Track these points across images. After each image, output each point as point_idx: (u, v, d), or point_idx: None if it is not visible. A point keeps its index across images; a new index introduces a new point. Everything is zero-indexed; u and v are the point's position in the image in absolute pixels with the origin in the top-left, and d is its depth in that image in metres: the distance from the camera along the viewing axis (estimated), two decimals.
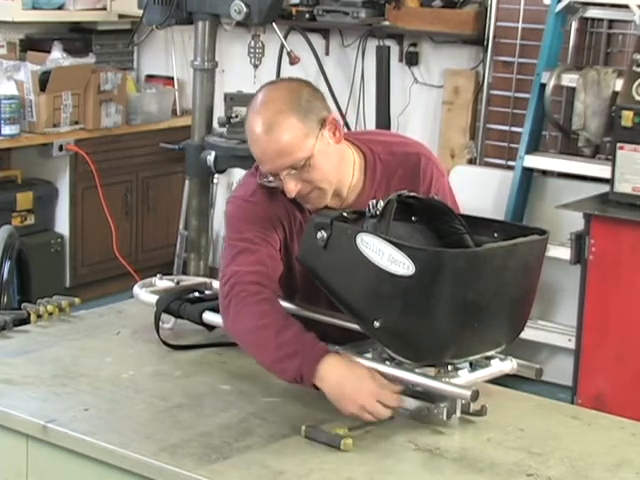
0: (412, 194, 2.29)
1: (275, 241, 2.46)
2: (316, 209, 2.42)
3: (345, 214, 2.28)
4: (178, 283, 2.81)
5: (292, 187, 2.36)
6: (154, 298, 2.65)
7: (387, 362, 2.22)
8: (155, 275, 2.82)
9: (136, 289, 2.74)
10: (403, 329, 2.13)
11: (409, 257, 2.06)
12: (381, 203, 2.21)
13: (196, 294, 2.67)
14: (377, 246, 2.11)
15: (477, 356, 2.23)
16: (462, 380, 2.18)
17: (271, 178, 2.40)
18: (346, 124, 5.47)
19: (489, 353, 2.25)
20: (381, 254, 2.10)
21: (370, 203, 2.22)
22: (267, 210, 2.46)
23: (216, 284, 2.69)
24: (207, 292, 2.71)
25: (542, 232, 2.23)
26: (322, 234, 2.23)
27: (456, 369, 2.20)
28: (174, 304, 2.61)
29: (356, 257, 2.14)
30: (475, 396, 2.11)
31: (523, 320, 2.27)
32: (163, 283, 2.79)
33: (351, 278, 2.19)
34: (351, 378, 2.18)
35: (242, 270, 2.39)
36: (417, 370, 2.18)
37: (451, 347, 2.15)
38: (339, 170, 2.44)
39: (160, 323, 2.61)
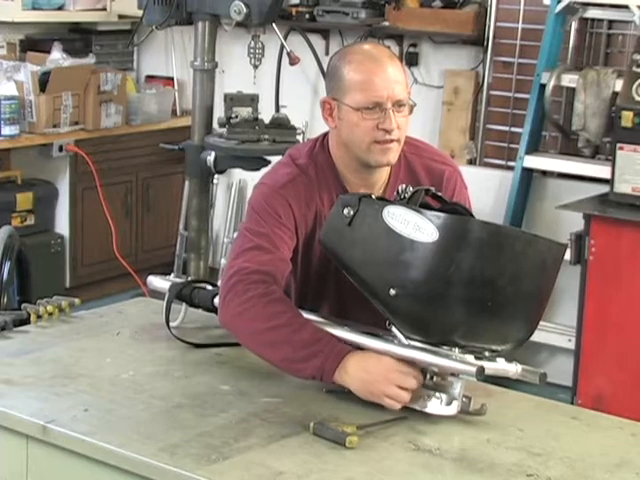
0: (439, 194, 2.33)
1: (292, 239, 2.47)
2: (387, 163, 2.47)
3: (372, 196, 2.31)
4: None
5: (394, 121, 2.41)
6: (167, 284, 2.67)
7: (395, 341, 2.23)
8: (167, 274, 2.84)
9: (150, 277, 2.76)
10: (417, 298, 2.14)
11: (434, 224, 2.11)
12: (410, 188, 2.25)
13: (208, 287, 2.68)
14: (403, 216, 2.15)
15: (485, 346, 2.22)
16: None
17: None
18: None
19: (496, 347, 2.24)
20: (406, 223, 2.14)
21: (400, 187, 2.27)
22: (294, 205, 2.47)
23: None
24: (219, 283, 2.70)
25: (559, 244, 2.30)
26: (349, 210, 2.26)
27: (463, 354, 2.19)
28: (186, 289, 2.62)
29: (380, 229, 2.18)
30: (480, 371, 2.12)
31: (534, 322, 2.27)
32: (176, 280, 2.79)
33: (372, 251, 2.21)
34: (371, 368, 2.22)
35: (250, 268, 2.39)
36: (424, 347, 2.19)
37: (461, 325, 2.15)
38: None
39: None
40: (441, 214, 2.15)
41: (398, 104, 2.42)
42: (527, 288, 2.20)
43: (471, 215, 2.33)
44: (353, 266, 2.27)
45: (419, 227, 2.13)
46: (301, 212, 2.48)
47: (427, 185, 2.44)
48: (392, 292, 2.16)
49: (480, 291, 2.13)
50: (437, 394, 2.19)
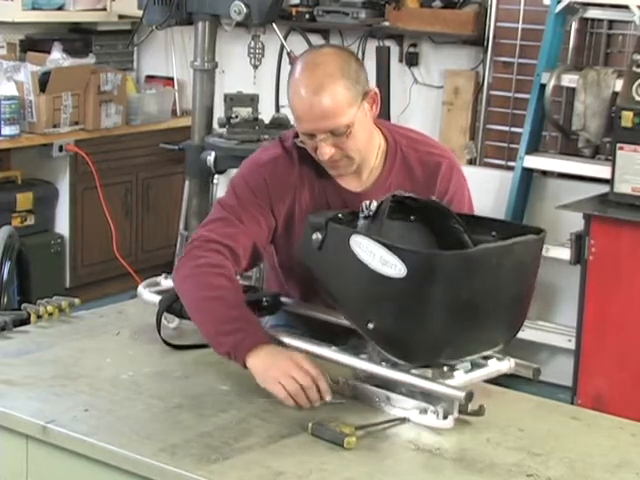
0: (408, 194, 2.30)
1: (265, 217, 2.51)
2: (340, 175, 2.51)
3: (340, 215, 2.28)
4: None
5: (327, 151, 2.41)
6: (157, 298, 2.65)
7: (383, 363, 2.22)
8: (159, 275, 2.82)
9: (140, 288, 2.74)
10: (396, 331, 2.13)
11: (400, 259, 2.06)
12: (374, 203, 2.22)
13: None
14: (369, 247, 2.11)
15: (474, 356, 2.22)
16: (457, 381, 2.17)
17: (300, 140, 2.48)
18: None
19: (486, 353, 2.25)
20: (373, 256, 2.10)
21: (364, 204, 2.24)
22: (270, 183, 2.52)
23: None
24: None
25: (539, 231, 2.23)
26: (317, 235, 2.24)
27: (452, 370, 2.19)
28: (176, 304, 2.61)
29: (349, 258, 2.14)
30: (469, 397, 2.10)
31: (520, 320, 2.26)
32: (168, 283, 2.78)
33: (345, 279, 2.19)
34: (275, 360, 2.25)
35: (211, 237, 2.47)
36: (413, 371, 2.18)
37: (445, 348, 2.15)
38: (368, 145, 2.50)
39: (165, 322, 2.60)
40: (406, 249, 2.09)
41: (332, 132, 2.40)
42: (508, 294, 2.19)
43: (447, 208, 2.32)
44: (331, 290, 2.27)
45: (386, 261, 2.07)
46: (277, 192, 2.52)
47: (421, 179, 2.52)
48: (370, 326, 2.14)
49: (459, 315, 2.11)
50: (432, 408, 2.17)
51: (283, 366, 2.23)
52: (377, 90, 2.48)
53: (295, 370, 2.22)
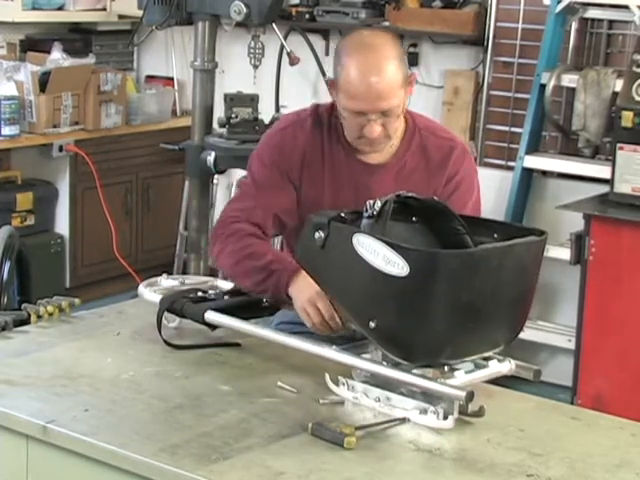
0: (411, 194, 2.31)
1: (281, 188, 2.67)
2: (374, 152, 2.62)
3: (342, 214, 2.29)
4: (183, 282, 2.81)
5: (377, 129, 2.52)
6: (157, 297, 2.66)
7: (384, 362, 2.22)
8: (159, 275, 2.82)
9: (141, 288, 2.74)
10: (398, 330, 2.13)
11: (403, 258, 2.07)
12: (378, 203, 2.23)
13: (199, 294, 2.67)
14: (372, 246, 2.11)
15: (474, 357, 2.23)
16: (458, 381, 2.18)
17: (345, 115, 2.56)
18: None
19: (487, 354, 2.25)
20: (376, 254, 2.11)
21: (367, 203, 2.25)
22: (282, 151, 2.68)
23: (220, 283, 2.80)
24: (210, 292, 2.70)
25: (541, 233, 2.24)
26: (320, 234, 2.24)
27: (452, 370, 2.19)
28: (177, 303, 2.61)
29: (352, 257, 2.15)
30: (470, 397, 2.10)
31: (521, 321, 2.27)
32: (168, 282, 2.79)
33: (348, 278, 2.20)
34: (303, 290, 2.46)
35: (230, 215, 2.70)
36: (414, 371, 2.18)
37: (447, 348, 2.15)
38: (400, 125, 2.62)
39: (165, 322, 2.61)
40: (409, 248, 2.10)
41: (384, 113, 2.50)
42: (509, 295, 2.19)
43: (449, 209, 2.33)
44: (332, 289, 2.28)
45: (389, 260, 2.08)
46: (286, 158, 2.66)
47: (436, 161, 2.62)
48: (372, 325, 2.15)
49: (461, 315, 2.12)
50: (433, 408, 2.17)
51: (309, 297, 2.44)
52: (416, 73, 2.58)
53: (319, 300, 2.42)
